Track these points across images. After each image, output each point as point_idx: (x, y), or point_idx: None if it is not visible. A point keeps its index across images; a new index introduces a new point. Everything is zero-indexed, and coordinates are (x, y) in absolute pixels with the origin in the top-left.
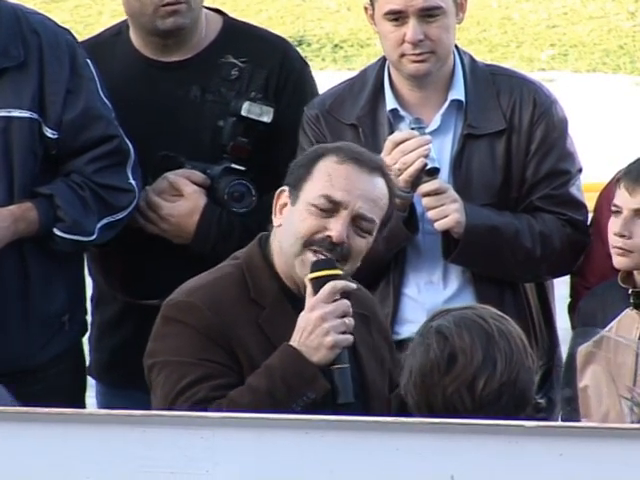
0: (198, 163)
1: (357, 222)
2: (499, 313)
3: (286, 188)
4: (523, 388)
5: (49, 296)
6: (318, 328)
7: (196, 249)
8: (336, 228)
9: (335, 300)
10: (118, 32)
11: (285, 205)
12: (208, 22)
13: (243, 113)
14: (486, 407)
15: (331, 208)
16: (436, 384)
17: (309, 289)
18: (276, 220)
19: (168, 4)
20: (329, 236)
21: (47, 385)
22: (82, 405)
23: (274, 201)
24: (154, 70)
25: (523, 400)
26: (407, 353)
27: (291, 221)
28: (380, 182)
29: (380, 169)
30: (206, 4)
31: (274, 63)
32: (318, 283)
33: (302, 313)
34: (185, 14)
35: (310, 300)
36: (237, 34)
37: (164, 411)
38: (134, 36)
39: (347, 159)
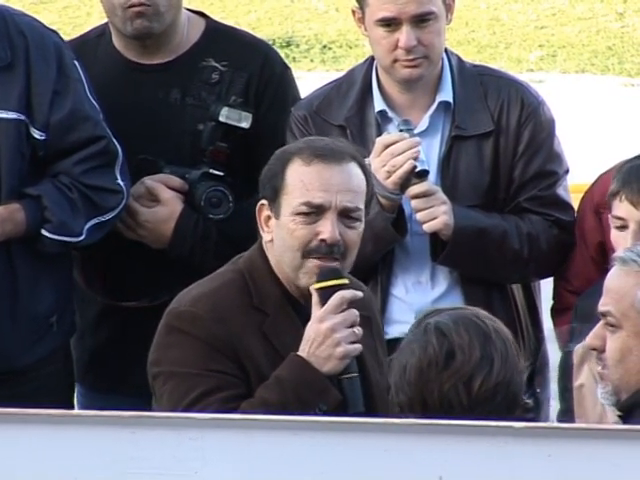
0: (177, 167)
1: (344, 216)
2: (490, 315)
3: (265, 202)
4: (515, 390)
5: (37, 297)
6: (329, 339)
7: (173, 254)
8: (327, 230)
9: (343, 310)
10: (102, 33)
11: (269, 218)
12: (190, 25)
13: (221, 119)
14: (481, 405)
15: (315, 212)
16: (433, 380)
17: (315, 299)
18: (265, 235)
19: (132, 5)
20: (323, 240)
21: (35, 386)
22: (71, 406)
23: (257, 216)
24: (134, 72)
25: (515, 402)
26: (399, 351)
27: (281, 236)
28: (352, 167)
29: (347, 155)
30: (193, 5)
31: (255, 67)
32: (325, 293)
33: (310, 324)
34: (151, 17)
35: (318, 311)
36: (219, 37)
37: (152, 412)
38: (115, 38)
39: (313, 158)
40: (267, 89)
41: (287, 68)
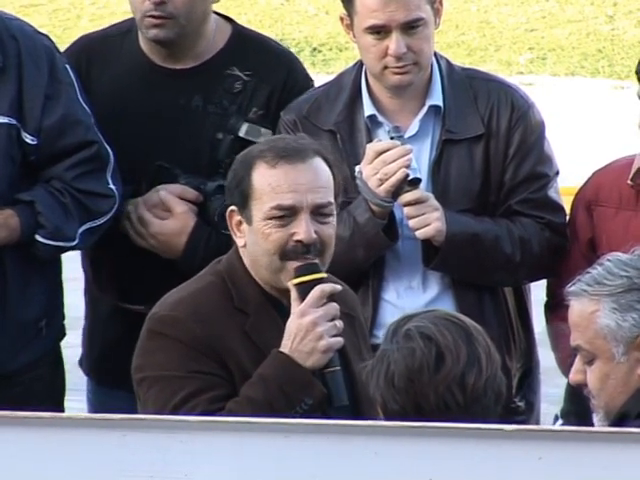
0: (192, 178)
1: (317, 213)
2: (459, 314)
3: (234, 208)
4: (500, 383)
5: (27, 301)
6: (311, 333)
7: (183, 267)
8: (302, 230)
9: (324, 304)
10: (128, 30)
11: (240, 223)
12: (217, 30)
13: (241, 134)
14: (476, 403)
15: (287, 214)
16: (427, 384)
17: (294, 294)
18: (238, 240)
19: (152, 16)
20: (299, 240)
21: (24, 390)
22: (61, 410)
23: (228, 222)
24: (157, 76)
25: (500, 395)
26: (377, 361)
27: (255, 242)
28: (317, 163)
29: (311, 151)
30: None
31: (278, 79)
32: (304, 288)
33: (291, 319)
34: (169, 29)
35: (298, 306)
36: (245, 44)
37: (143, 414)
38: (141, 38)
39: (278, 160)
40: (289, 102)
41: (310, 81)
